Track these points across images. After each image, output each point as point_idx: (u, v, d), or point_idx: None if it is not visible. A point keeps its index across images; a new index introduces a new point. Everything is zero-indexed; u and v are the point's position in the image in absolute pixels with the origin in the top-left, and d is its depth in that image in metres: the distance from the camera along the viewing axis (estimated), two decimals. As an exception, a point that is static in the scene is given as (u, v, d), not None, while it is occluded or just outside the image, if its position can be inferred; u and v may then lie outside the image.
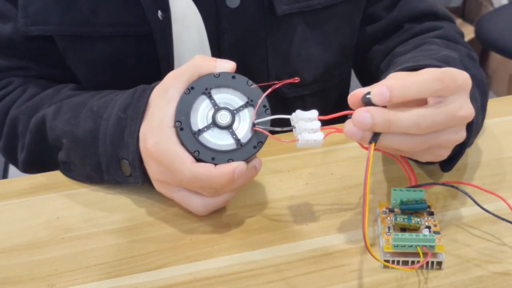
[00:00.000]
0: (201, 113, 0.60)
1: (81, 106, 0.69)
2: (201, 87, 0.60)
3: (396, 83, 0.54)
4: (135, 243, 0.61)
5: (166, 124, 0.60)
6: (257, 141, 0.60)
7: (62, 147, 0.69)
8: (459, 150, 0.63)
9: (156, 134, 0.60)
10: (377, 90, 0.54)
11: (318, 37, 0.82)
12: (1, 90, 0.79)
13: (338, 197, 0.66)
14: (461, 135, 0.58)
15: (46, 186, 0.69)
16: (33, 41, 0.77)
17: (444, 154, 0.59)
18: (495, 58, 2.43)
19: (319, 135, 0.57)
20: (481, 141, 0.73)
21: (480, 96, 0.67)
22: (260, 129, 0.60)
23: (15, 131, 0.76)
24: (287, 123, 0.59)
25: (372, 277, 0.57)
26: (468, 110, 0.57)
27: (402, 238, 0.56)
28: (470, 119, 0.58)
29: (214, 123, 0.60)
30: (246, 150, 0.60)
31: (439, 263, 0.57)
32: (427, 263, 0.57)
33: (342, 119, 0.82)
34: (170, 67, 0.77)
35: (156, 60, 0.77)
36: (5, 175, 1.68)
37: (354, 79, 0.95)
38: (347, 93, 0.95)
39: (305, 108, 0.59)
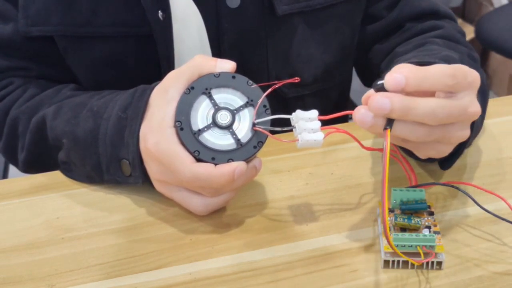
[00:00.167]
0: (201, 113, 0.60)
1: (81, 106, 0.69)
2: (201, 87, 0.60)
3: (412, 72, 0.54)
4: (135, 243, 0.61)
5: (166, 124, 0.60)
6: (257, 141, 0.60)
7: (62, 147, 0.69)
8: (458, 149, 0.63)
9: (156, 134, 0.60)
10: (393, 76, 0.53)
11: (318, 37, 0.82)
12: (2, 90, 0.79)
13: (338, 197, 0.66)
14: (466, 132, 0.58)
15: (46, 186, 0.69)
16: (33, 41, 0.77)
17: (447, 150, 0.59)
18: (495, 58, 2.43)
19: (319, 135, 0.57)
20: (481, 141, 0.73)
21: (480, 97, 0.67)
22: (260, 129, 0.60)
23: (16, 131, 0.76)
24: (287, 123, 0.59)
25: (372, 277, 0.57)
26: (477, 107, 0.57)
27: (402, 238, 0.56)
28: (477, 117, 0.58)
29: (214, 123, 0.60)
30: (246, 150, 0.60)
31: (439, 263, 0.57)
32: (427, 263, 0.57)
33: (342, 119, 0.82)
34: (170, 67, 0.77)
35: (156, 60, 0.77)
36: (5, 175, 1.68)
37: (354, 79, 0.94)
38: (347, 93, 0.96)
39: (305, 108, 0.59)
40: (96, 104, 0.68)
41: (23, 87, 0.78)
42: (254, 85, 0.61)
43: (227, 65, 0.61)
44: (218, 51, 0.78)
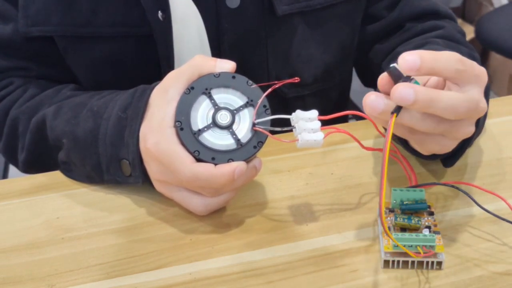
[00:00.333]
0: (201, 113, 0.60)
1: (81, 106, 0.69)
2: (201, 87, 0.60)
3: (425, 54, 0.53)
4: (135, 243, 0.61)
5: (166, 124, 0.60)
6: (257, 141, 0.60)
7: (62, 147, 0.69)
8: (461, 146, 0.63)
9: (156, 134, 0.60)
10: (408, 57, 0.52)
11: (318, 37, 0.82)
12: (2, 90, 0.79)
13: (338, 197, 0.66)
14: (472, 128, 0.58)
15: (46, 186, 0.69)
16: (33, 41, 0.77)
17: (451, 145, 0.59)
18: (495, 58, 2.43)
19: (319, 135, 0.57)
20: (481, 141, 0.73)
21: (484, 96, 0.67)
22: (260, 129, 0.60)
23: (16, 131, 0.76)
24: (287, 123, 0.59)
25: (372, 277, 0.57)
26: (485, 104, 0.57)
27: (402, 238, 0.56)
28: (484, 113, 0.57)
29: (214, 123, 0.60)
30: (246, 150, 0.60)
31: (439, 263, 0.57)
32: (427, 263, 0.57)
33: (342, 119, 0.82)
34: (170, 67, 0.77)
35: (156, 60, 0.77)
36: (5, 175, 1.68)
37: (354, 79, 0.94)
38: (347, 93, 0.96)
39: (305, 108, 0.59)
40: (96, 104, 0.68)
41: (23, 87, 0.78)
42: (254, 85, 0.61)
43: (227, 65, 0.61)
44: (218, 51, 0.78)
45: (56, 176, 0.71)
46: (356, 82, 0.95)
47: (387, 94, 0.54)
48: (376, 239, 0.60)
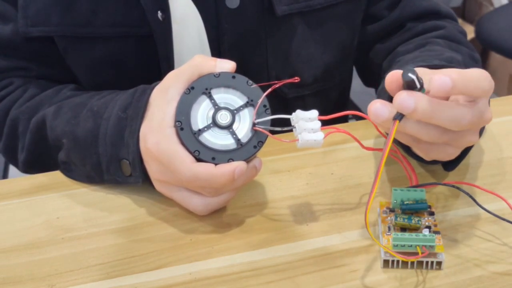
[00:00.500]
0: (201, 113, 0.60)
1: (81, 106, 0.69)
2: (201, 87, 0.60)
3: (457, 75, 0.52)
4: (135, 243, 0.61)
5: (166, 124, 0.60)
6: (257, 140, 0.60)
7: (62, 147, 0.69)
8: (464, 151, 0.63)
9: (157, 134, 0.60)
10: (439, 78, 0.52)
11: (318, 37, 0.82)
12: (2, 90, 0.79)
13: (338, 197, 0.66)
14: (476, 137, 0.58)
15: (47, 186, 0.69)
16: (33, 41, 0.77)
17: (455, 153, 0.59)
18: (495, 58, 2.43)
19: (319, 135, 0.57)
20: (482, 141, 0.73)
21: None
22: (260, 129, 0.60)
23: (16, 132, 0.76)
24: (287, 123, 0.59)
25: (372, 277, 0.57)
26: (490, 113, 0.57)
27: (402, 238, 0.56)
28: (489, 122, 0.58)
29: (214, 123, 0.60)
30: (246, 150, 0.60)
31: (439, 263, 0.57)
32: (427, 263, 0.57)
33: (343, 119, 0.82)
34: (170, 67, 0.77)
35: (156, 60, 0.77)
36: (5, 175, 1.68)
37: (354, 79, 0.94)
38: (347, 93, 0.96)
39: (306, 108, 0.59)
40: (96, 104, 0.68)
41: (23, 87, 0.78)
42: (254, 85, 0.61)
43: (227, 65, 0.61)
44: (218, 52, 0.78)
45: (56, 176, 0.71)
46: (356, 82, 0.95)
47: (392, 91, 0.55)
48: (377, 240, 0.60)
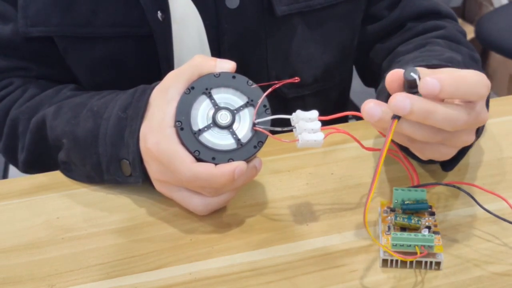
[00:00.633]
0: (202, 113, 0.60)
1: (81, 106, 0.69)
2: (201, 87, 0.60)
3: (448, 78, 0.53)
4: (135, 243, 0.61)
5: (166, 124, 0.60)
6: (257, 141, 0.60)
7: (62, 147, 0.69)
8: (461, 151, 0.63)
9: (157, 134, 0.60)
10: (428, 81, 0.52)
11: (318, 37, 0.82)
12: (2, 90, 0.79)
13: (338, 197, 0.66)
14: (472, 137, 0.58)
15: (47, 186, 0.69)
16: (33, 42, 0.77)
17: (451, 153, 0.59)
18: (495, 58, 2.43)
19: (320, 135, 0.57)
20: (482, 141, 0.73)
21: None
22: (260, 129, 0.60)
23: (16, 132, 0.76)
24: (287, 123, 0.59)
25: (372, 277, 0.57)
26: (486, 114, 0.57)
27: (401, 237, 0.56)
28: (484, 123, 0.58)
29: (215, 123, 0.60)
30: (247, 150, 0.60)
31: (438, 264, 0.57)
32: (426, 263, 0.57)
33: (343, 120, 0.82)
34: (170, 67, 0.77)
35: (156, 60, 0.77)
36: (5, 175, 1.68)
37: (354, 79, 0.94)
38: (347, 93, 0.96)
39: (306, 108, 0.59)
40: (96, 104, 0.68)
41: (23, 88, 0.78)
42: (254, 85, 0.61)
43: (227, 65, 0.61)
44: (217, 52, 0.78)
45: (56, 176, 0.71)
46: (356, 82, 0.95)
47: (393, 89, 0.55)
48: (377, 238, 0.60)
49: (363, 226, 0.62)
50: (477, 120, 0.56)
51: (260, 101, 0.60)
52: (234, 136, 0.60)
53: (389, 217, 0.60)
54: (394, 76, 0.55)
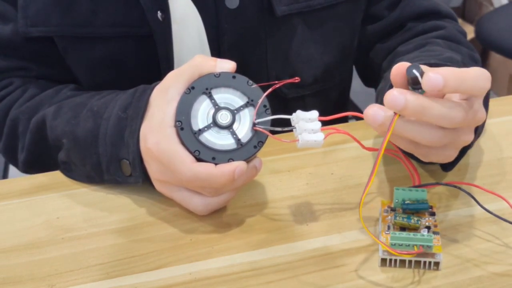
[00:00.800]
0: (202, 113, 0.60)
1: (81, 106, 0.69)
2: (201, 87, 0.60)
3: (451, 73, 0.53)
4: (135, 243, 0.61)
5: (166, 123, 0.60)
6: (257, 141, 0.60)
7: (62, 147, 0.69)
8: (461, 151, 0.64)
9: (157, 134, 0.60)
10: (431, 76, 0.52)
11: (318, 37, 0.82)
12: (2, 90, 0.79)
13: (338, 197, 0.66)
14: (472, 136, 0.58)
15: (47, 186, 0.69)
16: (33, 42, 0.77)
17: (453, 155, 0.59)
18: (495, 58, 2.43)
19: (320, 136, 0.57)
20: (482, 141, 0.73)
21: (484, 99, 0.67)
22: (261, 129, 0.60)
23: (16, 132, 0.76)
24: (287, 123, 0.59)
25: (372, 277, 0.57)
26: (484, 113, 0.57)
27: (400, 236, 0.56)
28: (482, 122, 0.58)
29: (215, 123, 0.60)
30: (247, 150, 0.60)
31: (437, 264, 0.57)
32: (425, 263, 0.57)
33: (343, 120, 0.82)
34: (170, 67, 0.77)
35: (156, 60, 0.77)
36: (5, 175, 1.68)
37: (354, 79, 0.94)
38: (347, 93, 0.96)
39: (306, 108, 0.59)
40: (96, 104, 0.68)
41: (23, 88, 0.78)
42: (254, 85, 0.61)
43: (227, 65, 0.61)
44: (217, 52, 0.78)
45: (56, 176, 0.71)
46: (356, 82, 0.95)
47: (396, 83, 0.55)
48: (376, 239, 0.60)
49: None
50: (475, 118, 0.56)
51: (260, 101, 0.60)
52: (234, 136, 0.60)
53: (389, 217, 0.60)
54: (399, 70, 0.55)
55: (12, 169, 1.67)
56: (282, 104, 0.83)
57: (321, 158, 0.72)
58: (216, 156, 0.59)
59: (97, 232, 0.63)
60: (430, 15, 0.84)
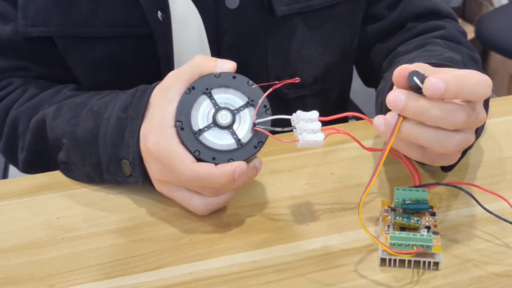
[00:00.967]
0: (202, 113, 0.60)
1: (82, 106, 0.69)
2: (202, 87, 0.60)
3: (452, 78, 0.53)
4: (135, 243, 0.61)
5: (166, 123, 0.60)
6: (257, 141, 0.60)
7: (62, 147, 0.69)
8: (462, 153, 0.64)
9: (157, 134, 0.60)
10: (432, 81, 0.53)
11: (318, 38, 0.82)
12: (1, 90, 0.79)
13: (338, 197, 0.66)
14: (473, 138, 0.59)
15: (46, 186, 0.69)
16: (33, 42, 0.77)
17: (457, 156, 0.60)
18: (495, 58, 2.43)
19: (320, 136, 0.57)
20: (482, 141, 0.73)
21: (484, 100, 0.67)
22: (261, 129, 0.60)
23: (15, 132, 0.76)
24: (287, 123, 0.59)
25: (371, 277, 0.57)
26: (484, 114, 0.58)
27: (399, 236, 0.56)
28: (482, 123, 0.58)
29: (215, 123, 0.60)
30: (247, 150, 0.60)
31: (436, 264, 0.57)
32: (424, 263, 0.57)
33: (343, 120, 0.82)
34: (170, 67, 0.77)
35: (156, 60, 0.77)
36: (5, 175, 1.68)
37: (354, 79, 0.94)
38: (348, 93, 0.96)
39: (306, 108, 0.59)
40: (96, 104, 0.68)
41: (23, 88, 0.78)
42: (255, 85, 0.61)
43: (227, 65, 0.61)
44: (217, 52, 0.78)
45: (56, 176, 0.71)
46: (356, 82, 0.95)
47: (398, 83, 0.56)
48: (377, 239, 0.60)
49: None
50: (476, 120, 0.56)
51: (260, 101, 0.60)
52: (234, 136, 0.60)
53: (389, 217, 0.60)
54: (402, 72, 0.56)
55: (12, 169, 1.68)
56: (282, 104, 0.83)
57: (321, 158, 0.72)
58: (216, 156, 0.59)
59: (97, 232, 0.63)
60: (430, 15, 0.84)
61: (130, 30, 0.76)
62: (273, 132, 0.60)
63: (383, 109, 0.70)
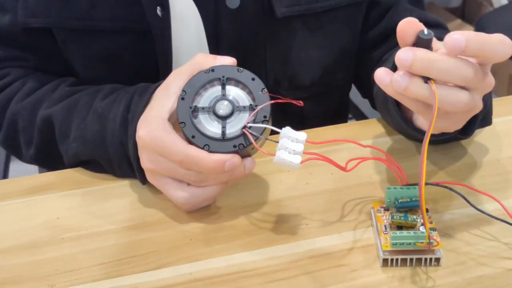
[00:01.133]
0: (208, 95, 0.61)
1: (86, 108, 0.70)
2: (220, 73, 0.61)
3: (473, 35, 0.52)
4: (135, 243, 0.61)
5: (162, 115, 0.60)
6: (239, 142, 0.60)
7: (72, 151, 0.70)
8: (472, 121, 0.64)
9: (149, 123, 0.61)
10: (453, 36, 0.52)
11: (319, 41, 0.82)
12: None
13: (338, 197, 0.66)
14: (480, 103, 0.58)
15: (47, 186, 0.69)
16: (31, 33, 0.77)
17: (463, 121, 0.60)
18: (495, 58, 2.43)
19: (297, 159, 0.57)
20: (481, 141, 0.73)
21: (487, 94, 0.67)
22: (248, 133, 0.59)
23: (16, 126, 0.76)
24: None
25: (372, 277, 0.57)
26: (492, 79, 0.58)
27: (400, 236, 0.56)
28: (491, 89, 0.58)
29: (213, 109, 0.60)
30: (225, 146, 0.59)
31: (437, 260, 0.57)
32: (425, 260, 0.57)
33: (343, 120, 0.82)
34: (168, 63, 0.77)
35: (154, 56, 0.77)
36: (5, 175, 1.68)
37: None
38: (347, 97, 0.96)
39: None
40: (99, 106, 0.69)
41: (21, 80, 0.78)
42: (267, 94, 0.61)
43: (227, 61, 0.62)
44: (216, 51, 0.78)
45: (56, 176, 0.71)
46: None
47: (402, 40, 0.55)
48: (374, 240, 0.60)
49: (363, 226, 0.62)
50: (483, 81, 0.56)
51: (259, 108, 0.60)
52: (223, 128, 0.60)
53: (384, 217, 0.60)
54: (406, 25, 0.55)
55: (12, 169, 1.67)
56: (280, 107, 0.83)
57: (321, 158, 0.72)
58: (210, 143, 0.59)
59: (97, 232, 0.63)
60: None
61: (129, 25, 0.76)
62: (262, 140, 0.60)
63: (384, 106, 0.70)
